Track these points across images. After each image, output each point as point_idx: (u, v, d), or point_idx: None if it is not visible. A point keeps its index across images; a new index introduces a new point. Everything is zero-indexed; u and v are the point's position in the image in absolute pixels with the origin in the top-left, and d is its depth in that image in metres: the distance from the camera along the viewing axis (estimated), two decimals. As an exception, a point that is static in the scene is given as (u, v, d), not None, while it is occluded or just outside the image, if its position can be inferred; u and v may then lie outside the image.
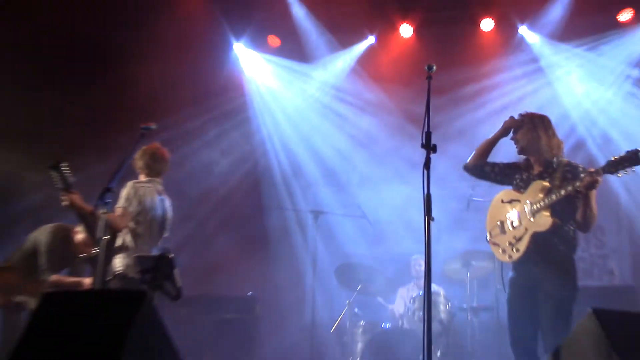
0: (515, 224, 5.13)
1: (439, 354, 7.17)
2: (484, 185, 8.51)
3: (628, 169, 4.58)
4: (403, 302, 8.28)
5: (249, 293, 8.17)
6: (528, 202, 5.06)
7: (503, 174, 5.47)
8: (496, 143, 5.48)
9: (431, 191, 4.15)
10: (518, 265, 5.12)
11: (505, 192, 5.40)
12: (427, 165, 4.19)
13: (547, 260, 4.94)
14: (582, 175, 4.78)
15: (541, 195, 4.96)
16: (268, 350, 7.92)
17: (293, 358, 8.18)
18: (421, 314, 7.13)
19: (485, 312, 7.80)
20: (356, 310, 8.14)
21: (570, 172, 5.05)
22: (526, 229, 5.00)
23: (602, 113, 9.57)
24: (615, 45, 9.49)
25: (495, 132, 5.48)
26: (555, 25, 9.50)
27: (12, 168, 8.87)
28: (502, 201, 5.36)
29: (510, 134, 5.44)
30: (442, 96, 8.52)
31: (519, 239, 5.05)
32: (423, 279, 3.85)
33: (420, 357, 5.64)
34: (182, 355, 3.88)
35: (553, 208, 4.91)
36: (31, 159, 8.64)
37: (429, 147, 4.25)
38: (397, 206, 9.27)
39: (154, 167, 6.43)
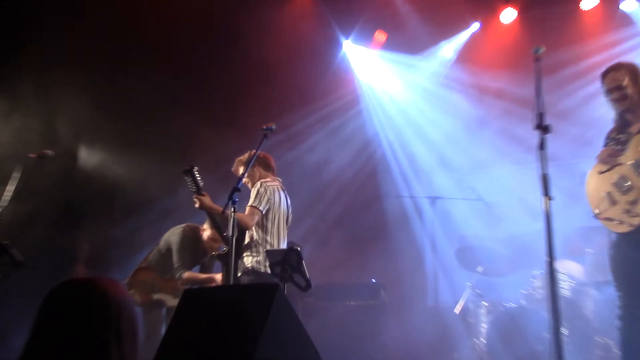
0: (625, 188, 4.75)
1: (565, 331, 6.95)
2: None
3: None
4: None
5: (372, 280, 8.15)
6: (632, 161, 4.74)
7: None
8: None
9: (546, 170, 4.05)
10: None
11: (596, 165, 5.04)
12: (541, 145, 4.06)
13: None
14: None
15: None
16: (393, 334, 7.87)
17: (419, 341, 8.08)
18: (543, 292, 6.94)
19: (611, 286, 7.50)
20: (478, 291, 8.00)
21: None
22: None
23: None
24: None
25: None
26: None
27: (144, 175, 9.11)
28: (600, 172, 4.98)
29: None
30: (549, 77, 8.25)
31: (634, 203, 4.68)
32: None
33: (547, 334, 5.49)
34: (313, 341, 3.93)
35: None
36: (160, 167, 8.89)
37: (542, 127, 4.12)
38: (511, 187, 9.04)
39: (269, 170, 6.49)
